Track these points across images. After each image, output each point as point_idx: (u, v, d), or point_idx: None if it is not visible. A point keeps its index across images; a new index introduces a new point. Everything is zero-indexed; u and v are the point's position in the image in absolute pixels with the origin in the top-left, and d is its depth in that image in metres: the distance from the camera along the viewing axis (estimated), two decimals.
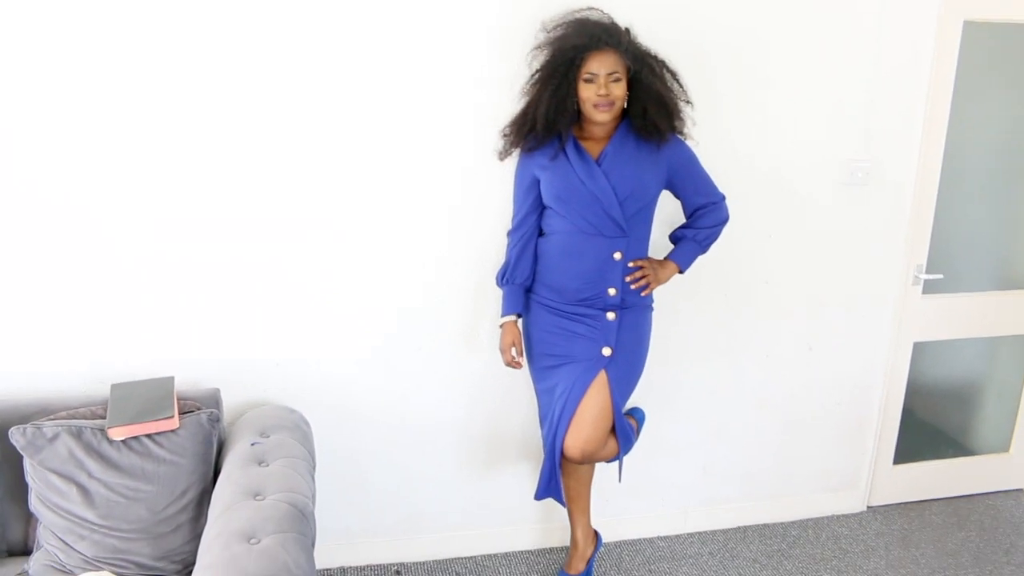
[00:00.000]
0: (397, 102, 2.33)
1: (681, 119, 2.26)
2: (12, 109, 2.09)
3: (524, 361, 2.43)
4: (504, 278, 2.40)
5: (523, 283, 2.38)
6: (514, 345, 2.38)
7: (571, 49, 2.12)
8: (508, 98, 2.35)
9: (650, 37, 2.28)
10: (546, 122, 2.19)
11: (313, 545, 1.82)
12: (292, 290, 2.41)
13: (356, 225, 2.40)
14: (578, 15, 2.20)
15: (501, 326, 2.40)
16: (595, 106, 2.13)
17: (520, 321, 2.42)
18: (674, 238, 2.43)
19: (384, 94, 2.31)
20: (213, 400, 2.24)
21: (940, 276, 2.95)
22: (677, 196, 2.37)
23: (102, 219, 2.22)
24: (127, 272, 2.27)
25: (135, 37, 2.12)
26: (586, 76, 2.12)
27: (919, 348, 3.07)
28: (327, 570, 2.67)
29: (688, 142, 2.33)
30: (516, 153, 2.36)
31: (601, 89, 2.11)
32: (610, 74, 2.12)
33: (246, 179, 2.29)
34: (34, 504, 1.98)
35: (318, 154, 2.32)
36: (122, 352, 2.32)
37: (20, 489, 2.03)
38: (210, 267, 2.33)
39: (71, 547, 1.94)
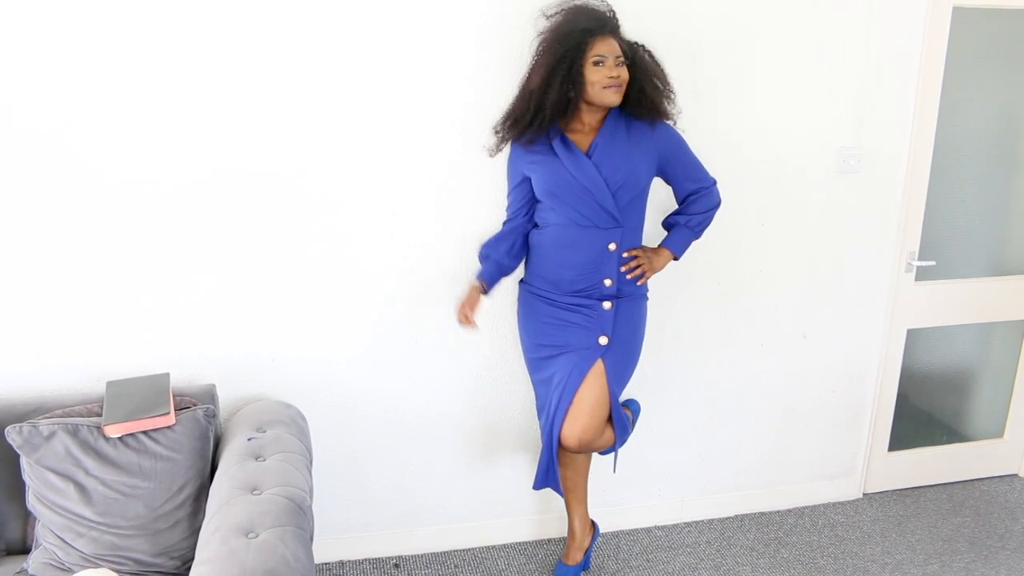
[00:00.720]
0: (385, 98, 2.32)
1: (672, 101, 2.28)
2: (11, 108, 2.08)
3: (477, 322, 2.43)
4: (483, 251, 2.41)
5: (499, 259, 2.39)
6: (467, 306, 2.39)
7: (580, 33, 2.11)
8: (497, 89, 2.35)
9: (643, 28, 2.30)
10: (555, 109, 2.16)
11: (311, 539, 1.83)
12: (287, 285, 2.41)
13: (350, 220, 2.40)
14: (576, 2, 2.20)
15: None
16: (606, 88, 2.13)
17: (483, 295, 2.42)
18: (667, 225, 2.43)
19: (372, 91, 2.31)
20: (209, 396, 2.24)
21: (933, 263, 2.96)
22: (668, 182, 2.38)
23: (97, 218, 2.21)
24: (121, 270, 2.27)
25: (130, 40, 2.11)
26: (595, 59, 2.12)
27: (913, 335, 3.08)
28: (326, 564, 2.68)
29: (678, 130, 2.34)
30: (506, 149, 2.36)
31: (612, 71, 2.12)
32: (617, 56, 2.13)
33: (239, 176, 2.28)
34: (32, 502, 1.98)
35: (311, 150, 2.32)
36: (117, 349, 2.32)
37: (18, 488, 2.03)
38: (204, 264, 2.33)
39: (69, 545, 1.95)
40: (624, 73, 2.15)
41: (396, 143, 2.37)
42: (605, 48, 2.12)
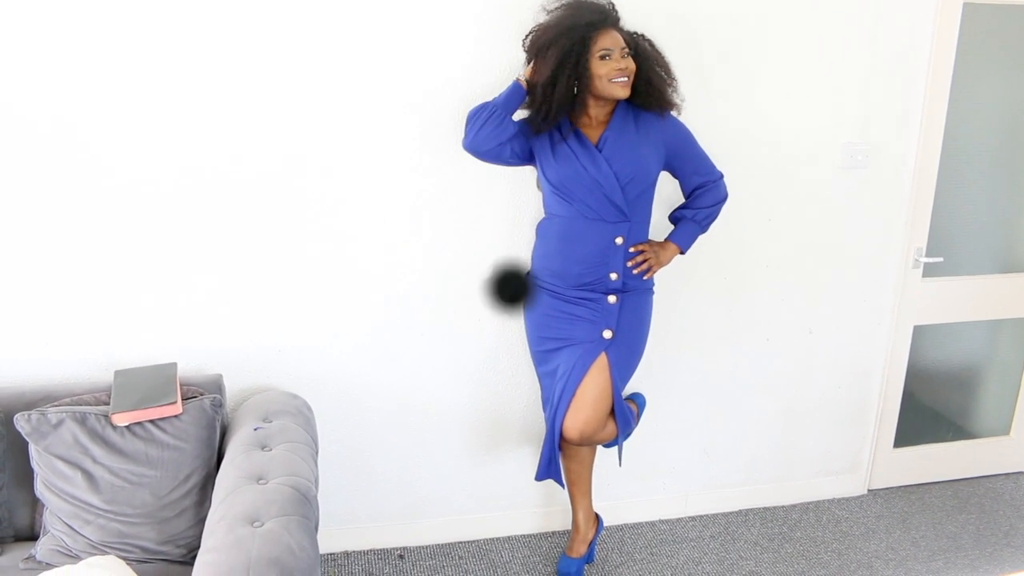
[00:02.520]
0: (385, 93, 2.33)
1: (676, 89, 2.27)
2: (18, 102, 2.10)
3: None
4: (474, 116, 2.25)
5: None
6: None
7: (584, 27, 2.11)
8: (499, 83, 2.35)
9: (646, 24, 2.29)
10: (560, 105, 2.15)
11: (316, 528, 1.83)
12: (295, 277, 2.42)
13: (356, 213, 2.40)
14: None
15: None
16: (614, 81, 2.13)
17: None
18: (673, 219, 2.43)
19: (374, 83, 2.31)
20: (216, 386, 2.25)
21: (940, 259, 2.95)
22: (675, 176, 2.38)
23: (106, 208, 2.23)
24: (130, 260, 2.28)
25: (137, 37, 2.12)
26: (601, 53, 2.11)
27: (919, 331, 3.07)
28: (331, 554, 2.69)
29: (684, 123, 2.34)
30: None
31: (619, 63, 2.12)
32: (622, 48, 2.13)
33: (246, 166, 2.29)
34: (40, 489, 2.00)
35: (320, 144, 2.32)
36: (125, 339, 2.33)
37: (26, 475, 2.05)
38: (213, 254, 2.34)
39: (77, 532, 1.96)
40: (631, 64, 2.15)
41: (400, 138, 2.37)
42: (610, 41, 2.11)
